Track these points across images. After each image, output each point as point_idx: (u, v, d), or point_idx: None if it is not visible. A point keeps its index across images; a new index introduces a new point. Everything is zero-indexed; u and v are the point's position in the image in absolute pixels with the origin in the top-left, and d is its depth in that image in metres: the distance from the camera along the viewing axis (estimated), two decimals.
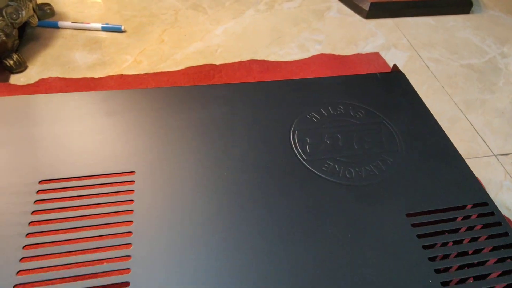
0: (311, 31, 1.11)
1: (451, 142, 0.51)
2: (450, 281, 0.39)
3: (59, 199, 0.41)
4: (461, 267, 0.40)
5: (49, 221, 0.40)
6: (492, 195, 0.75)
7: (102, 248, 0.38)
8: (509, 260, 0.41)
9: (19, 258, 0.37)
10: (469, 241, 0.42)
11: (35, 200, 0.41)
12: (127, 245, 0.39)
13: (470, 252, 0.42)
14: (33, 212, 0.40)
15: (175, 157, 0.46)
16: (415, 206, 0.44)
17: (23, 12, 0.84)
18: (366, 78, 0.58)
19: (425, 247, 0.40)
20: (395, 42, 1.07)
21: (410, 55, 1.04)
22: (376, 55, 1.02)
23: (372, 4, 1.11)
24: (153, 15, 1.11)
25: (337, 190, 0.44)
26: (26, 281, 0.36)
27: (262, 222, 0.41)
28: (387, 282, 0.38)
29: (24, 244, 0.38)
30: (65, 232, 0.39)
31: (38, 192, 0.42)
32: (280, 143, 0.49)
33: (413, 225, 0.42)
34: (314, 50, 1.03)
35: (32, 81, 0.85)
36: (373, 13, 1.12)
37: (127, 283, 0.36)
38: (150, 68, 0.95)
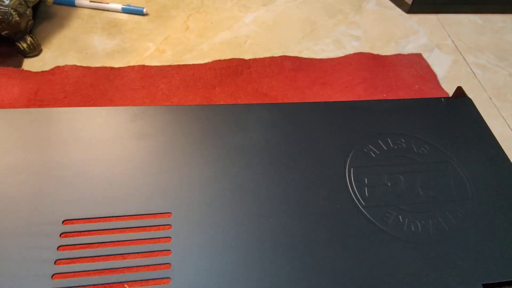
0: (347, 25, 1.02)
1: None
2: None
3: (83, 246, 0.36)
4: None
5: (73, 273, 0.34)
6: None
7: None
8: None
9: None
10: None
11: (58, 245, 0.35)
12: None
13: None
14: (56, 262, 0.35)
15: (216, 197, 0.40)
16: (494, 274, 0.38)
17: None
18: (429, 103, 0.51)
19: None
20: (439, 43, 0.98)
21: (455, 59, 0.95)
22: (418, 57, 0.93)
23: None
24: None
25: (402, 249, 0.38)
26: None
27: (308, 282, 0.35)
28: None
29: None
30: None
31: (61, 235, 0.36)
32: (334, 182, 0.42)
33: None
34: (350, 47, 0.95)
35: (47, 67, 0.79)
36: (416, 7, 1.03)
37: None
38: (174, 59, 0.88)
